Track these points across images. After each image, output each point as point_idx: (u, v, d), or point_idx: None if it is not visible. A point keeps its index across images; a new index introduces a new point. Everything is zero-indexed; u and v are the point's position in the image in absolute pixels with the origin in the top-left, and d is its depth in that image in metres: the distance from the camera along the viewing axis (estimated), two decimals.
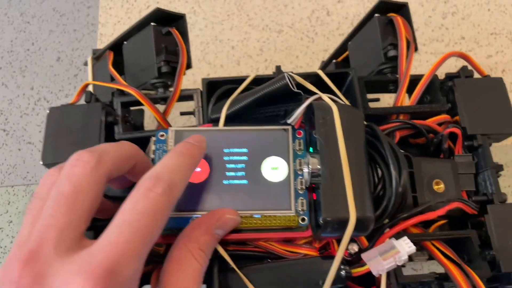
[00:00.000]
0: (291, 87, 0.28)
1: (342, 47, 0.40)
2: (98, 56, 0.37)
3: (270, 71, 0.49)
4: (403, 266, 0.29)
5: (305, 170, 0.27)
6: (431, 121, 0.33)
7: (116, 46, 0.36)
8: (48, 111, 0.32)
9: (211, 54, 0.50)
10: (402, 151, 0.30)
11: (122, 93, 0.33)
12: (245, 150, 0.28)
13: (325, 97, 0.28)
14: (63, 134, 0.32)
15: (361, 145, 0.27)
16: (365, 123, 0.29)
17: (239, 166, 0.28)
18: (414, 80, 0.34)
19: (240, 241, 0.28)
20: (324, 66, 0.43)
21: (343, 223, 0.25)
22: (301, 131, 0.29)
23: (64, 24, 0.54)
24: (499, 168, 0.32)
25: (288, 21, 0.52)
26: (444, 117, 0.33)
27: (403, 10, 0.36)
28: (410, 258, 0.30)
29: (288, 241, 0.28)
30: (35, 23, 0.53)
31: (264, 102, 0.30)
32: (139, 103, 0.33)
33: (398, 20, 0.34)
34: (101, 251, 0.19)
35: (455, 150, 0.33)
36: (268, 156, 0.28)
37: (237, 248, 0.28)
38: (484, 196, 0.31)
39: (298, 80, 0.29)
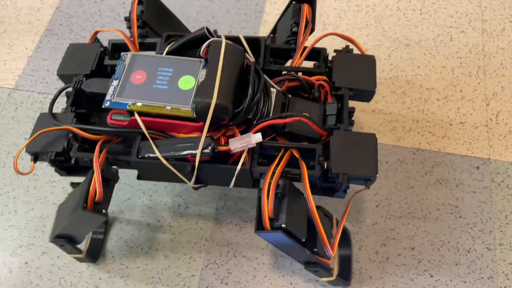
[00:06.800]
0: (208, 34, 0.45)
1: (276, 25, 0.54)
2: None
3: (394, 73, 0.64)
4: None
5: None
6: (313, 78, 0.47)
7: None
8: (68, 46, 0.51)
9: None
10: (280, 89, 0.45)
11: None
12: (171, 69, 0.45)
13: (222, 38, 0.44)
14: (74, 58, 0.50)
15: (237, 67, 0.42)
16: (252, 62, 0.44)
17: (165, 78, 0.44)
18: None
19: (156, 124, 0.43)
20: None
21: (208, 104, 0.39)
22: None
23: (239, 8, 0.72)
24: (352, 109, 0.45)
25: (416, 38, 0.68)
26: (321, 77, 0.47)
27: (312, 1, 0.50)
28: None
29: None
30: (216, 2, 0.72)
31: (191, 45, 0.46)
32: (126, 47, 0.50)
33: (304, 6, 0.49)
34: None
35: (328, 99, 0.47)
36: (185, 75, 0.44)
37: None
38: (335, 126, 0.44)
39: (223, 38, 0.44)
